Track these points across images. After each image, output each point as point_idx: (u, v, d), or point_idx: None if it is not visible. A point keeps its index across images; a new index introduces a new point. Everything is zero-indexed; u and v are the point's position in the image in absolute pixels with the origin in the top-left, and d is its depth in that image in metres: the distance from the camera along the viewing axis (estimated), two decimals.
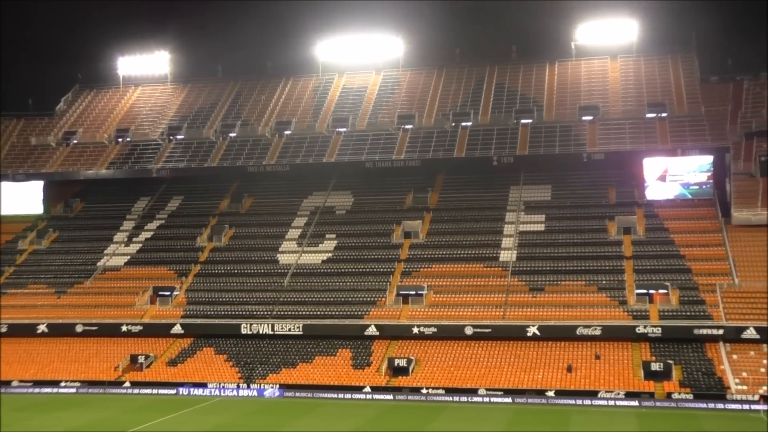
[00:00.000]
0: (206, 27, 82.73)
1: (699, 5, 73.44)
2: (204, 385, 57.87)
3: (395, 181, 76.45)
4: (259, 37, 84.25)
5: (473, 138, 72.64)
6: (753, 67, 75.94)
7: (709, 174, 67.12)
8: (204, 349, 62.55)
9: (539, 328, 57.98)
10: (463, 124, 74.28)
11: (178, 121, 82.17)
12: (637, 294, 59.78)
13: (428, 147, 72.69)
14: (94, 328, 64.70)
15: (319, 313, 63.34)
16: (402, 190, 76.21)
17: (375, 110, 79.69)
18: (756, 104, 73.40)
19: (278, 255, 71.15)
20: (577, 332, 57.26)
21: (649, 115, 71.24)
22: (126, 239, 76.12)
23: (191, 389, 57.60)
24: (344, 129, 76.85)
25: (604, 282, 61.64)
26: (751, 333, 54.39)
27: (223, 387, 57.61)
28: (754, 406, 49.47)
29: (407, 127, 75.44)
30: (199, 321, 64.24)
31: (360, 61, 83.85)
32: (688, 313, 57.09)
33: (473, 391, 54.30)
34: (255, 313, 64.18)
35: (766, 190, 65.21)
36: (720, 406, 50.15)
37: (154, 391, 57.92)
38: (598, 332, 56.98)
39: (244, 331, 62.53)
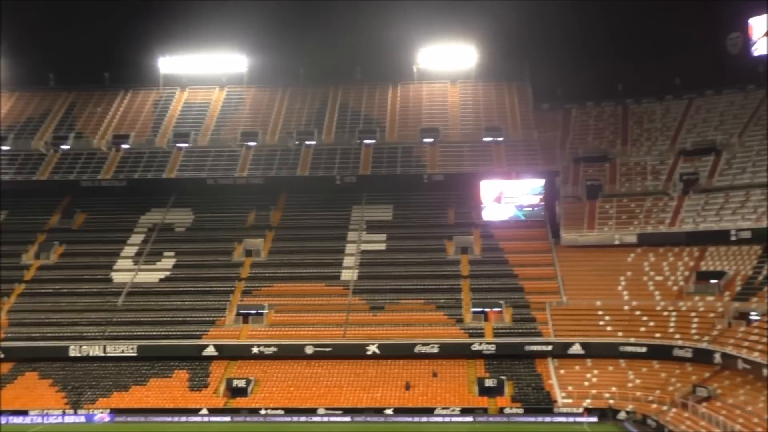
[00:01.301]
0: (37, 32, 77.98)
1: (532, 36, 77.17)
2: (25, 413, 54.11)
3: (237, 199, 75.12)
4: (95, 46, 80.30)
5: (317, 157, 72.80)
6: (580, 97, 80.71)
7: (541, 196, 70.33)
8: (26, 374, 58.62)
9: (379, 347, 58.57)
10: (307, 142, 74.27)
11: (4, 131, 76.76)
12: (473, 312, 61.59)
13: (272, 165, 72.21)
14: None
15: (155, 333, 61.09)
16: (244, 208, 75.06)
17: (218, 126, 78.35)
18: (582, 131, 78.08)
19: (112, 273, 68.13)
20: (416, 350, 58.30)
21: (486, 139, 73.99)
22: None
23: (10, 418, 53.52)
24: (186, 144, 74.96)
25: (442, 300, 63.16)
26: (576, 349, 57.35)
27: (47, 414, 54.16)
28: (578, 419, 52.02)
29: (251, 144, 74.56)
30: (21, 344, 60.15)
31: (203, 76, 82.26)
32: (520, 331, 59.47)
33: (312, 411, 53.99)
34: (86, 334, 60.96)
35: (592, 212, 69.23)
36: (548, 419, 52.39)
37: None
38: (435, 350, 58.25)
39: (72, 354, 59.32)
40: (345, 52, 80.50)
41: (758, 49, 72.68)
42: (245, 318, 62.36)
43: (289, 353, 59.25)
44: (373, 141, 74.53)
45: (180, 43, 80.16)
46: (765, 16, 71.83)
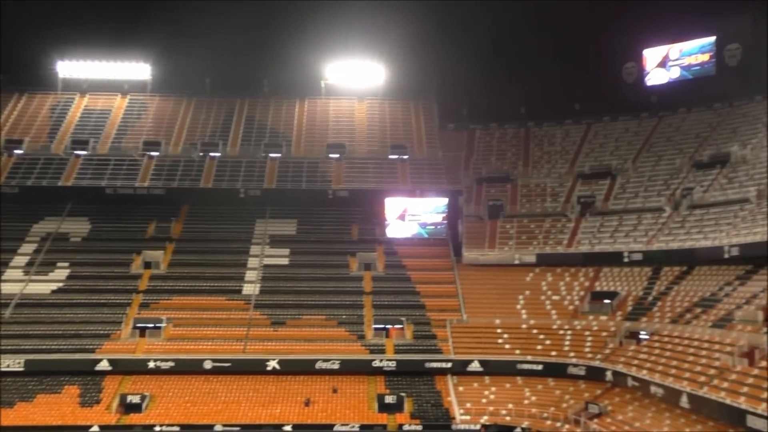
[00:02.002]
0: None
1: (439, 57, 78.37)
2: None
3: (137, 209, 73.05)
4: None
5: (221, 169, 71.94)
6: (485, 118, 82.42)
7: (444, 215, 71.34)
8: None
9: (279, 362, 58.00)
10: (212, 154, 73.33)
11: None
12: (375, 329, 61.75)
13: (174, 175, 70.88)
14: None
15: (44, 347, 58.62)
16: (144, 219, 73.09)
17: (119, 134, 76.41)
18: (486, 152, 79.70)
19: (0, 284, 65.15)
20: (317, 366, 57.98)
21: (391, 157, 74.78)
22: None
23: None
24: (84, 152, 72.76)
25: (344, 316, 63.04)
26: (475, 366, 58.20)
27: None
28: None
29: (153, 154, 73.04)
30: None
31: (105, 82, 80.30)
32: (421, 348, 59.96)
33: (209, 428, 52.84)
34: None
35: (493, 232, 70.63)
36: None
37: None
38: (336, 366, 58.08)
39: None
40: (253, 64, 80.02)
41: (651, 80, 76.19)
42: (142, 332, 60.67)
43: (187, 368, 57.91)
44: (279, 155, 74.21)
45: (81, 47, 77.91)
46: (657, 48, 75.43)
